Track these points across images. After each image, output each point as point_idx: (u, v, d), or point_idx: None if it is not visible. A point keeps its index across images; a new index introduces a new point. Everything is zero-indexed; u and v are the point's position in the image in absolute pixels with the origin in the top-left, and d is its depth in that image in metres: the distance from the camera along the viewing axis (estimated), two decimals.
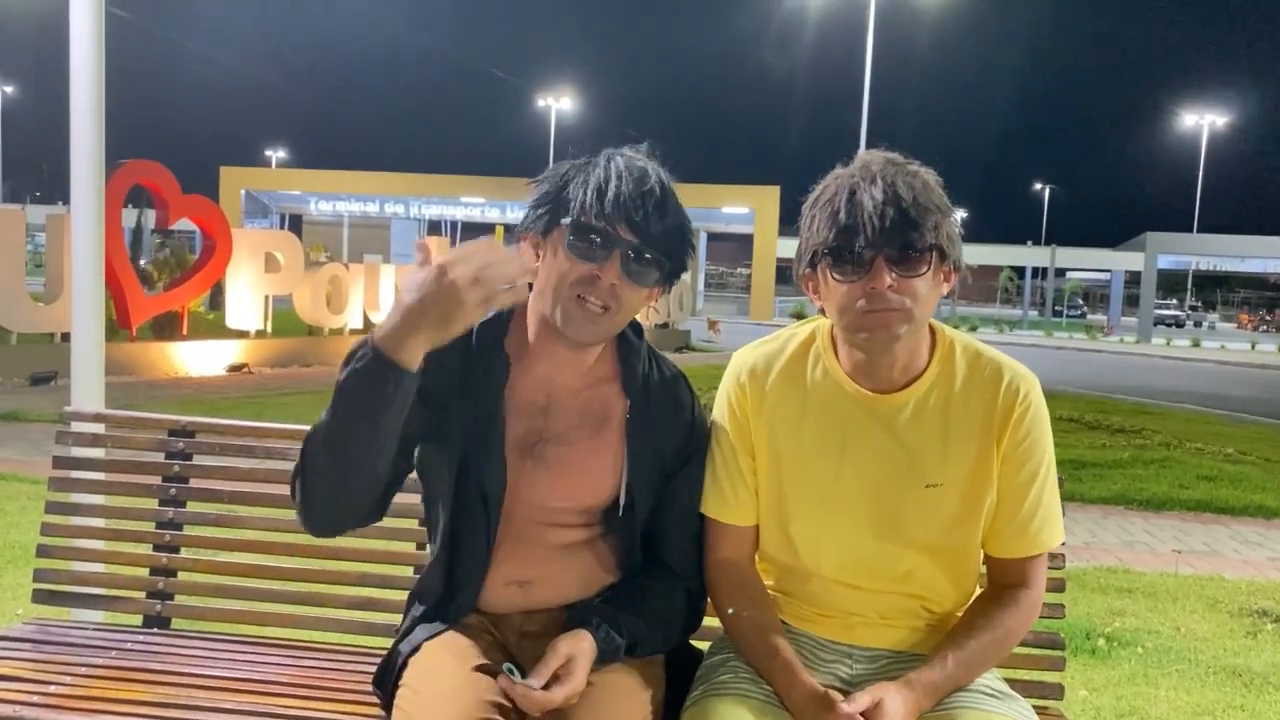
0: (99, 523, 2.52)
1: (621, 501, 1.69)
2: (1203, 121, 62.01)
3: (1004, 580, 1.70)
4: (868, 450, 1.66)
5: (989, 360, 1.68)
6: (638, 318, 1.75)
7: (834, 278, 1.59)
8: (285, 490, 2.39)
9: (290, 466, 2.36)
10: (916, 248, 1.55)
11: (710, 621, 1.99)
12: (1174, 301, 74.33)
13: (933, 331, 1.69)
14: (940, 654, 1.61)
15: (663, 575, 1.74)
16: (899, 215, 1.53)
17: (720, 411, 1.77)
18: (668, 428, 1.72)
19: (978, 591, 1.78)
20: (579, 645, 1.56)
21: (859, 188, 1.56)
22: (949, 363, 1.67)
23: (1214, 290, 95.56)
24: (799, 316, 15.88)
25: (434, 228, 51.16)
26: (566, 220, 1.59)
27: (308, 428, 2.41)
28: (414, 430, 1.59)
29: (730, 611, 1.71)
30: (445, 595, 1.70)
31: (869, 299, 1.55)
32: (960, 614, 1.74)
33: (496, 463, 1.65)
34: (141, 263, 17.76)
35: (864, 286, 1.55)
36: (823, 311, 1.69)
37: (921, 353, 1.66)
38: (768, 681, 1.64)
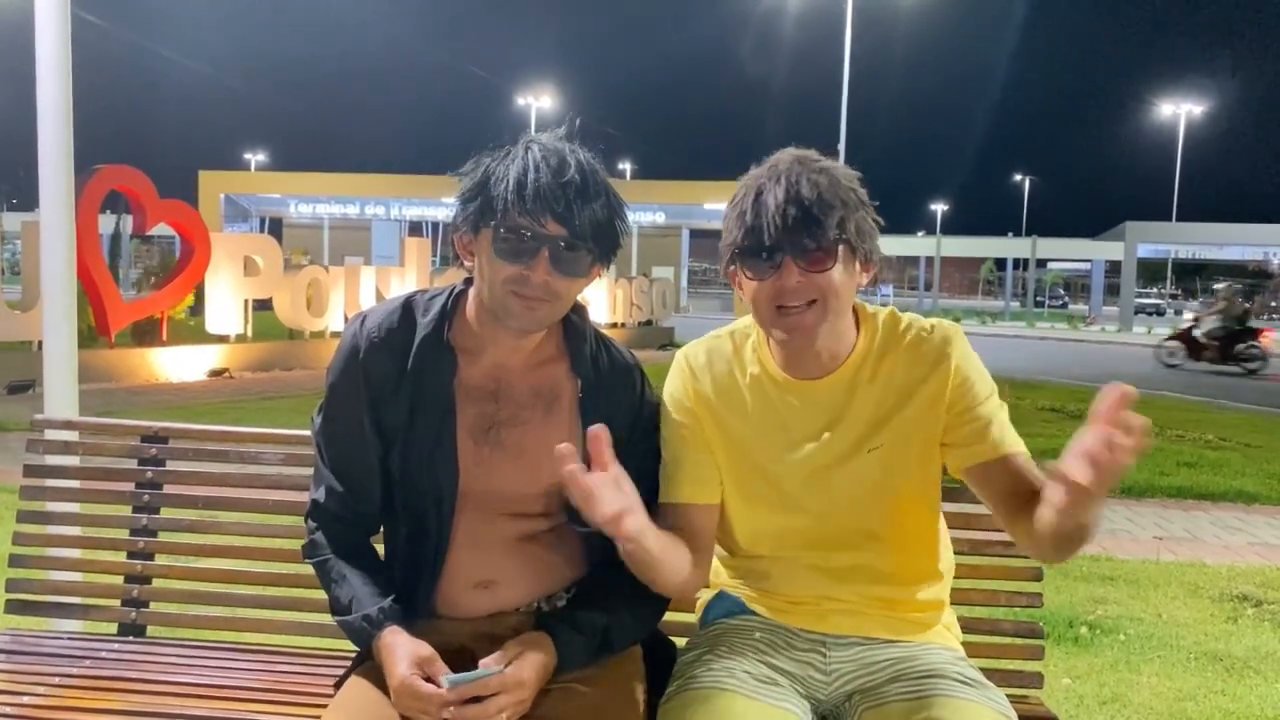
0: (73, 531, 2.49)
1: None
2: (1180, 111, 62.33)
3: (1036, 481, 1.62)
4: (810, 434, 1.71)
5: (908, 323, 1.73)
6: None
7: (746, 276, 1.64)
8: (260, 495, 2.39)
9: (263, 471, 2.37)
10: (820, 244, 1.59)
11: (686, 617, 1.99)
12: (1155, 290, 74.83)
13: (856, 312, 1.74)
14: None
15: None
16: (801, 213, 1.57)
17: (669, 405, 1.79)
18: (619, 406, 1.73)
19: (944, 571, 1.80)
20: (528, 662, 1.54)
21: (764, 188, 1.60)
22: (872, 336, 1.72)
23: (1194, 278, 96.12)
24: None
25: (415, 229, 50.97)
26: (489, 220, 1.58)
27: (284, 432, 2.42)
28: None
29: None
30: (400, 601, 1.67)
31: (779, 295, 1.60)
32: (925, 594, 1.76)
33: (449, 452, 1.65)
34: (124, 271, 17.61)
35: (773, 284, 1.60)
36: None
37: (847, 336, 1.71)
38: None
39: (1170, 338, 22.29)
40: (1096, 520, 1.42)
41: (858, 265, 1.65)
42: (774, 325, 1.64)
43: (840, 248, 1.60)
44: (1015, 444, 1.67)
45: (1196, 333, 21.06)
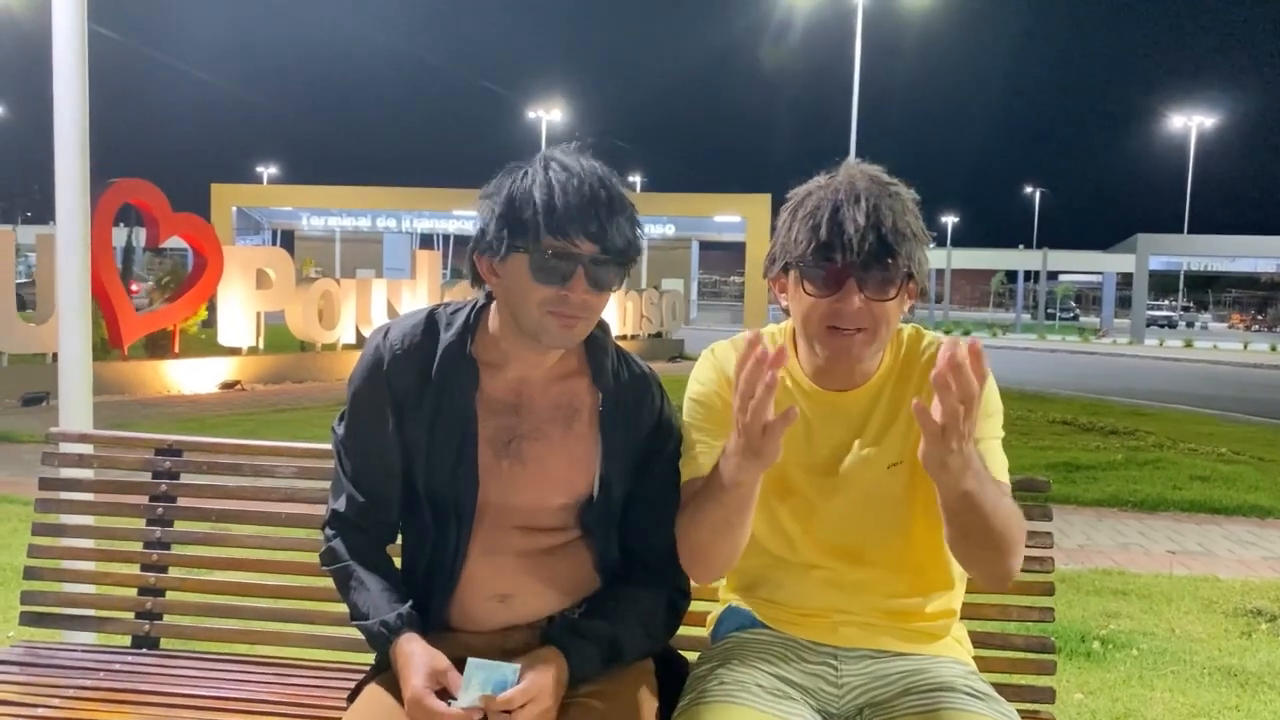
0: (87, 543, 2.50)
1: (595, 491, 1.69)
2: (1191, 123, 62.19)
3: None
4: (832, 444, 1.71)
5: (930, 341, 1.74)
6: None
7: (805, 290, 1.63)
8: (274, 508, 2.40)
9: (276, 484, 2.38)
10: (889, 274, 1.59)
11: (697, 632, 1.99)
12: (1166, 302, 74.46)
13: None
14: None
15: (641, 576, 1.74)
16: (878, 241, 1.57)
17: (699, 394, 1.75)
18: (637, 422, 1.73)
19: (955, 580, 1.79)
20: (543, 672, 1.55)
21: (842, 206, 1.58)
22: (898, 352, 1.73)
23: (1205, 291, 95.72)
24: None
25: (426, 241, 51.11)
26: (522, 245, 1.57)
27: (296, 445, 2.43)
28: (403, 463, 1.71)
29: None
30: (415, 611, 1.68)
31: (834, 316, 1.60)
32: (936, 604, 1.75)
33: (469, 464, 1.66)
34: (134, 287, 17.69)
35: (831, 304, 1.60)
36: (787, 311, 1.73)
37: (879, 352, 1.71)
38: (726, 476, 1.52)
39: None
40: (973, 485, 1.44)
41: (907, 294, 1.65)
42: (821, 343, 1.64)
43: (902, 279, 1.61)
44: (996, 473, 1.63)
45: None
